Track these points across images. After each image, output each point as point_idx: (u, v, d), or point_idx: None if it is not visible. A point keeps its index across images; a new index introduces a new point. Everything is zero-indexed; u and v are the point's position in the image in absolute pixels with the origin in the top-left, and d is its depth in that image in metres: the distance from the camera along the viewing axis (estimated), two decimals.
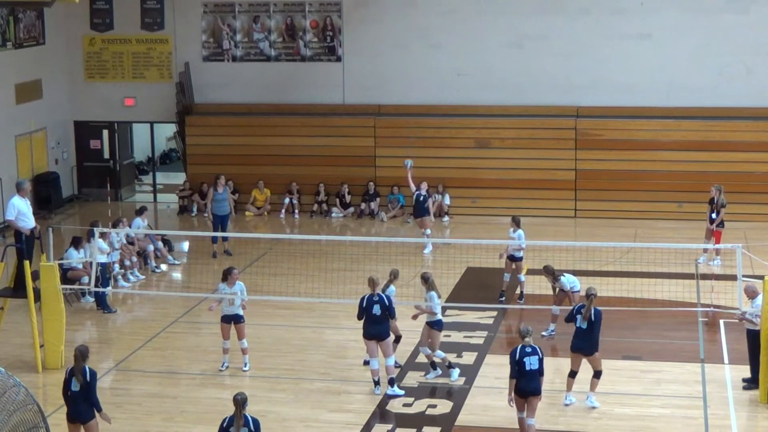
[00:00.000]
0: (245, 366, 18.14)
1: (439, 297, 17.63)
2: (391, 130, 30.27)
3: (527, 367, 14.71)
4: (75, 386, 13.92)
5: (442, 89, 30.41)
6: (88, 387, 13.89)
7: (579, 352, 16.29)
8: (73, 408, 13.93)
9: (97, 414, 14.00)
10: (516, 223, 21.40)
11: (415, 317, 17.91)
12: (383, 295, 16.98)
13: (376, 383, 17.09)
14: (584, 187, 29.44)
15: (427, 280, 17.47)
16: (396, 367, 17.58)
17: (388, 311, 16.90)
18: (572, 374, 16.44)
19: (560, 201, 29.52)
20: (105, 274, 21.71)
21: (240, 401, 12.90)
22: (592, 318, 16.08)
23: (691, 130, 29.01)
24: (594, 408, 16.30)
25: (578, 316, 16.21)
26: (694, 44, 29.19)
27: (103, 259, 21.39)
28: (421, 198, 25.94)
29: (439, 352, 17.60)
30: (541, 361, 14.79)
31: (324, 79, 31.04)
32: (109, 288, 22.24)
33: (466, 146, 29.87)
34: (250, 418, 12.94)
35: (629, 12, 29.46)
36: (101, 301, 21.64)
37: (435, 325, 17.42)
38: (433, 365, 17.68)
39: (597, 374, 16.38)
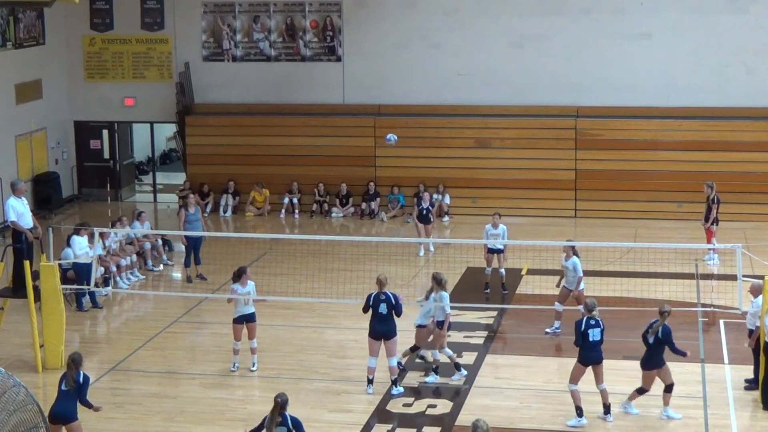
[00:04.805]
0: (253, 366, 18.13)
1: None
2: (391, 130, 30.21)
3: (591, 338, 15.68)
4: (64, 386, 14.16)
5: (442, 89, 30.41)
6: (78, 389, 14.06)
7: (652, 369, 16.03)
8: (58, 406, 14.04)
9: (88, 410, 14.25)
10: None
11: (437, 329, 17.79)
12: (390, 294, 17.01)
13: (370, 381, 17.13)
14: (584, 187, 29.45)
15: (440, 282, 17.50)
16: (400, 368, 17.61)
17: (395, 310, 16.96)
18: (640, 391, 16.19)
19: (560, 201, 29.53)
20: (90, 273, 21.31)
21: (280, 403, 13.05)
22: (659, 335, 15.84)
23: (691, 130, 29.01)
24: (672, 418, 16.04)
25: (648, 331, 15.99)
26: (694, 44, 29.19)
27: (85, 259, 21.16)
28: (424, 212, 25.48)
29: (447, 350, 17.65)
30: (602, 332, 15.80)
31: (324, 79, 31.05)
32: (109, 288, 22.26)
33: (466, 146, 29.87)
34: (289, 417, 13.06)
35: (629, 12, 29.46)
36: (92, 297, 21.70)
37: (441, 324, 17.47)
38: (436, 370, 17.70)
39: (668, 388, 16.07)
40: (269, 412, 13.09)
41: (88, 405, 14.22)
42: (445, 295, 17.57)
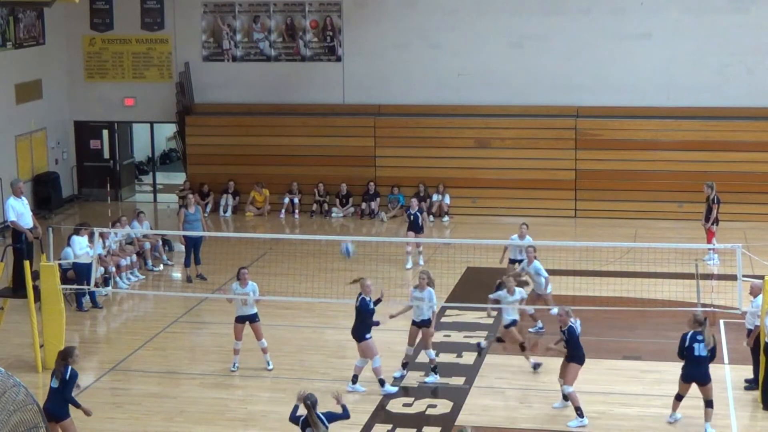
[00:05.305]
0: (269, 365, 18.13)
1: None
2: (391, 130, 30.27)
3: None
4: (54, 383, 14.10)
5: (442, 89, 30.40)
6: (65, 385, 14.00)
7: (693, 381, 15.58)
8: (49, 405, 13.98)
9: (76, 409, 14.14)
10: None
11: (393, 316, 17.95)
12: (365, 299, 17.07)
13: (352, 378, 17.24)
14: (584, 187, 29.44)
15: (432, 280, 17.72)
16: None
17: (365, 314, 17.02)
18: (678, 397, 15.82)
19: (560, 201, 29.52)
20: (90, 273, 21.24)
21: (311, 405, 12.98)
22: (714, 344, 15.45)
23: (691, 130, 29.00)
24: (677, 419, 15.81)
25: (695, 345, 15.37)
26: (694, 44, 29.18)
27: (85, 259, 21.15)
28: (412, 217, 24.64)
29: (431, 352, 17.69)
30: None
31: (324, 79, 31.04)
32: (109, 288, 22.26)
33: (466, 146, 29.87)
34: (322, 416, 13.13)
35: (629, 12, 29.45)
36: (92, 297, 21.70)
37: (429, 323, 17.53)
38: (435, 369, 17.71)
39: (708, 403, 15.56)
40: (307, 416, 13.02)
41: (75, 404, 14.11)
42: (433, 292, 17.62)
